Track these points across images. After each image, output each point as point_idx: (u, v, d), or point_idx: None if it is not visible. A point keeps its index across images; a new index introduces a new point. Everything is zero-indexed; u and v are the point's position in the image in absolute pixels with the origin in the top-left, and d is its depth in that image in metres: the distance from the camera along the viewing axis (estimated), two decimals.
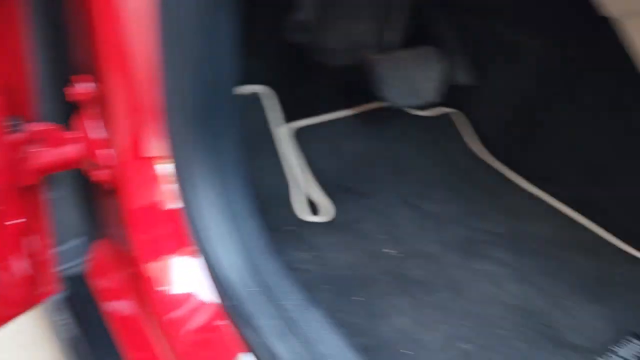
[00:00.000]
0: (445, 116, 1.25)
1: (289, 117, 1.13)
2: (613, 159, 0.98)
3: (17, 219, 0.61)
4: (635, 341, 0.77)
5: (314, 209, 1.00)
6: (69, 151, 0.61)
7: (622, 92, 0.94)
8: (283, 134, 1.09)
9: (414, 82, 1.08)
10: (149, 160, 0.55)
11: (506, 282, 0.85)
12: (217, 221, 0.56)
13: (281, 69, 1.16)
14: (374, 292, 0.82)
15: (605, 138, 0.98)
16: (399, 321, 0.77)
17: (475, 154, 1.18)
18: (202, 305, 0.55)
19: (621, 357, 0.75)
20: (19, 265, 0.63)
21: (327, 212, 0.98)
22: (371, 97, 1.12)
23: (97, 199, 0.69)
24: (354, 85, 1.18)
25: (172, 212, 0.55)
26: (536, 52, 1.07)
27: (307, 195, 1.02)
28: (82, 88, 0.58)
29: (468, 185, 1.09)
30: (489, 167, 1.15)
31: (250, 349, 0.54)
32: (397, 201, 1.02)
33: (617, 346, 0.77)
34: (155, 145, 0.54)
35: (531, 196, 1.08)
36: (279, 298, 0.59)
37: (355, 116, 1.18)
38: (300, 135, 1.10)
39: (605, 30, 0.89)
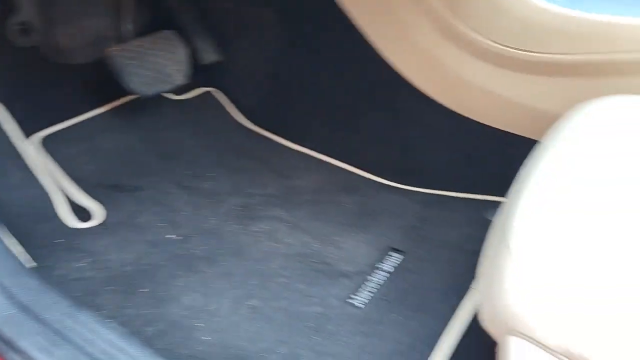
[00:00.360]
0: (204, 95, 1.27)
1: (36, 126, 1.05)
2: (354, 105, 1.11)
3: None
4: (394, 254, 0.91)
5: (85, 215, 0.96)
6: None
7: (353, 49, 1.06)
8: (30, 146, 1.01)
9: (159, 68, 1.08)
10: None
11: (283, 236, 0.93)
12: None
13: (15, 78, 1.07)
14: (159, 279, 0.82)
15: (343, 88, 1.11)
16: (188, 299, 0.79)
17: (241, 127, 1.23)
18: None
19: (385, 270, 0.87)
20: None
21: (98, 215, 0.94)
22: (123, 90, 1.10)
23: None
24: (103, 81, 1.13)
25: None
26: (277, 26, 1.15)
27: (72, 202, 0.96)
28: None
29: (238, 157, 1.14)
30: (255, 136, 1.22)
31: None
32: (171, 187, 1.03)
33: (381, 262, 0.89)
34: None
35: (297, 154, 1.17)
36: (41, 313, 0.56)
37: (110, 112, 1.14)
38: (52, 143, 1.03)
39: None
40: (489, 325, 0.50)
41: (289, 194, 1.03)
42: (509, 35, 0.89)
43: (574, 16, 0.84)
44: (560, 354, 0.43)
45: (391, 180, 1.08)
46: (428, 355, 0.72)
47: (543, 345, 0.44)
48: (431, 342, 0.74)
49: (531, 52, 0.88)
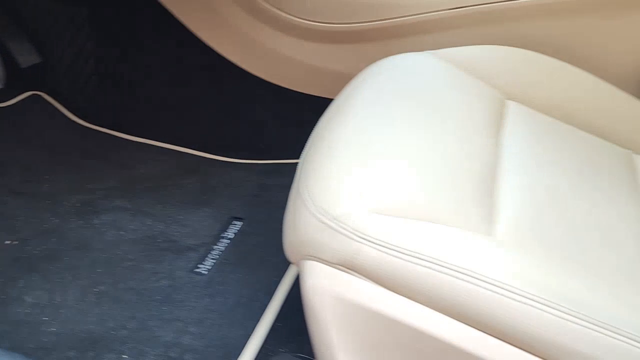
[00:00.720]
0: (31, 99, 1.24)
1: None
2: (185, 92, 1.16)
3: None
4: (236, 222, 0.98)
5: None
6: None
7: (174, 38, 1.10)
8: None
9: None
10: None
11: (127, 223, 0.95)
12: None
13: None
14: None
15: (170, 77, 1.15)
16: (31, 297, 0.80)
17: (75, 126, 1.22)
18: None
19: (228, 238, 0.94)
20: None
21: None
22: None
23: None
24: None
25: None
26: (93, 23, 1.15)
27: None
28: None
29: (75, 156, 1.13)
30: (92, 135, 1.21)
31: None
32: (4, 196, 1.00)
33: (225, 232, 0.96)
34: None
35: (139, 146, 1.19)
36: None
37: None
38: None
39: None
40: (289, 254, 0.58)
41: (131, 184, 1.06)
42: (310, 11, 0.99)
43: None
44: (340, 266, 0.53)
45: (233, 157, 1.14)
46: (268, 302, 0.81)
47: (327, 262, 0.53)
48: (270, 291, 0.83)
49: (329, 23, 0.99)
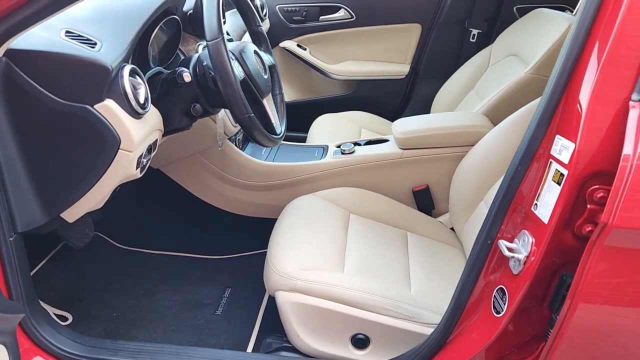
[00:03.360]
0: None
1: None
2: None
3: None
4: (227, 288, 1.87)
5: None
6: None
7: None
8: None
9: None
10: None
11: (171, 296, 1.81)
12: None
13: None
14: None
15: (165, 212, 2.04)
16: (141, 334, 1.63)
17: (117, 250, 2.06)
18: None
19: (226, 296, 1.82)
20: None
21: None
22: None
23: None
24: None
25: None
26: None
27: None
28: None
29: (125, 268, 1.97)
30: (121, 252, 2.05)
31: None
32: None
33: (224, 292, 1.84)
34: None
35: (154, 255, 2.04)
36: None
37: None
38: None
39: None
40: (268, 291, 1.49)
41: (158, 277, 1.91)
42: (243, 175, 1.95)
43: (266, 164, 1.95)
44: (291, 292, 1.44)
45: (219, 255, 2.04)
46: (257, 320, 1.70)
47: (285, 291, 1.45)
48: (255, 315, 1.72)
49: (258, 182, 1.95)
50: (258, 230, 1.91)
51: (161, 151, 1.80)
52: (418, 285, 1.54)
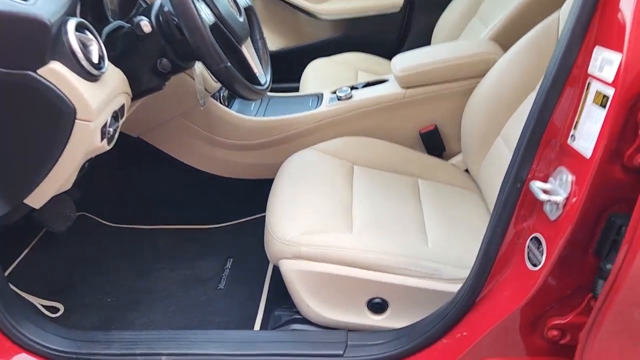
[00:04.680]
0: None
1: None
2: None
3: None
4: (229, 259, 1.72)
5: None
6: None
7: None
8: None
9: None
10: None
11: (169, 275, 1.67)
12: None
13: None
14: None
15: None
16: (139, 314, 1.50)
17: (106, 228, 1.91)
18: None
19: (228, 267, 1.68)
20: None
21: None
22: None
23: None
24: None
25: None
26: None
27: None
28: None
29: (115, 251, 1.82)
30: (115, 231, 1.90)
31: None
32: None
33: (226, 263, 1.70)
34: None
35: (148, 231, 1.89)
36: None
37: None
38: None
39: None
40: (271, 260, 1.34)
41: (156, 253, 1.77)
42: (232, 135, 1.77)
43: (257, 119, 1.77)
44: (295, 259, 1.29)
45: (216, 224, 1.89)
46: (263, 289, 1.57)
47: (289, 258, 1.30)
48: (261, 284, 1.58)
49: (252, 140, 1.78)
50: (255, 193, 1.74)
51: (137, 117, 1.62)
52: (435, 237, 1.38)
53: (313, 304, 1.31)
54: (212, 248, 1.77)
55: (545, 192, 0.91)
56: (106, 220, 1.89)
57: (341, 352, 1.20)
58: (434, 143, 1.78)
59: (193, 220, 1.86)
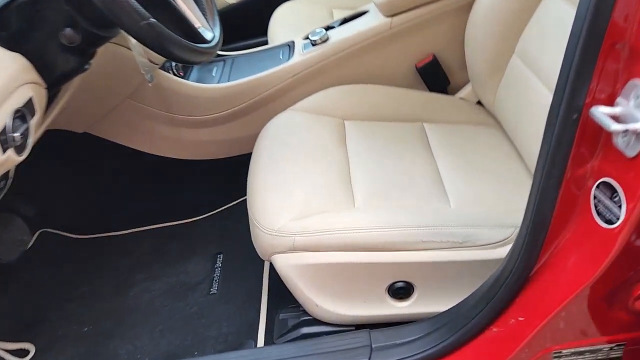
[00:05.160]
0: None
1: None
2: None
3: None
4: (219, 255, 1.46)
5: None
6: None
7: None
8: None
9: None
10: None
11: (152, 286, 1.42)
12: None
13: None
14: None
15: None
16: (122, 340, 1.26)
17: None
18: None
19: (219, 266, 1.43)
20: None
21: None
22: None
23: None
24: None
25: None
26: None
27: None
28: None
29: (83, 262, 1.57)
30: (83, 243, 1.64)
31: None
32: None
33: (215, 263, 1.44)
34: None
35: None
36: None
37: None
38: None
39: None
40: (262, 256, 1.08)
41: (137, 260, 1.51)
42: (196, 109, 1.47)
43: (221, 86, 1.46)
44: (290, 252, 1.03)
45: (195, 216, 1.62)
46: (261, 288, 1.31)
47: (282, 252, 1.04)
48: (259, 282, 1.33)
49: (211, 114, 1.48)
50: (236, 173, 1.47)
51: (77, 110, 1.34)
52: (458, 194, 1.11)
53: (322, 301, 1.06)
54: (197, 245, 1.51)
55: (616, 118, 0.64)
56: (71, 233, 1.63)
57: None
58: (435, 77, 1.48)
59: (170, 217, 1.60)
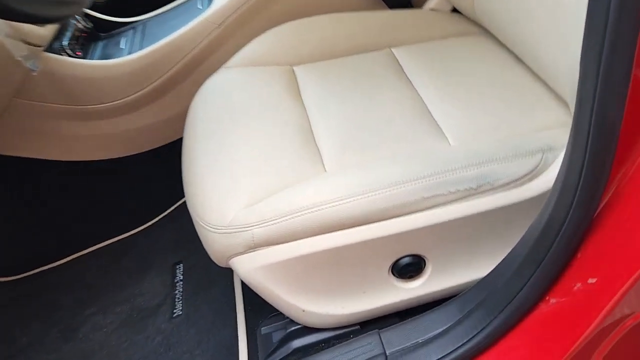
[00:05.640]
0: None
1: None
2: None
3: None
4: (178, 265, 1.19)
5: None
6: None
7: None
8: None
9: None
10: None
11: (103, 320, 1.14)
12: None
13: None
14: None
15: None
16: None
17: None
18: None
19: (180, 279, 1.15)
20: None
21: None
22: None
23: None
24: None
25: None
26: None
27: None
28: None
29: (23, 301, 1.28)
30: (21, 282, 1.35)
31: None
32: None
33: (175, 276, 1.17)
34: None
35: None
36: None
37: None
38: None
39: None
40: (218, 262, 0.80)
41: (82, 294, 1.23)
42: (108, 93, 1.16)
43: (133, 57, 1.15)
44: (250, 250, 0.76)
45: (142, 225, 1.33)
46: (232, 300, 1.04)
47: (241, 253, 0.76)
48: (228, 293, 1.06)
49: (128, 95, 1.17)
50: (179, 163, 1.18)
51: None
52: (454, 125, 0.84)
53: (308, 304, 0.80)
54: (150, 258, 1.22)
55: None
56: (1, 276, 1.33)
57: None
58: None
59: (112, 231, 1.31)
